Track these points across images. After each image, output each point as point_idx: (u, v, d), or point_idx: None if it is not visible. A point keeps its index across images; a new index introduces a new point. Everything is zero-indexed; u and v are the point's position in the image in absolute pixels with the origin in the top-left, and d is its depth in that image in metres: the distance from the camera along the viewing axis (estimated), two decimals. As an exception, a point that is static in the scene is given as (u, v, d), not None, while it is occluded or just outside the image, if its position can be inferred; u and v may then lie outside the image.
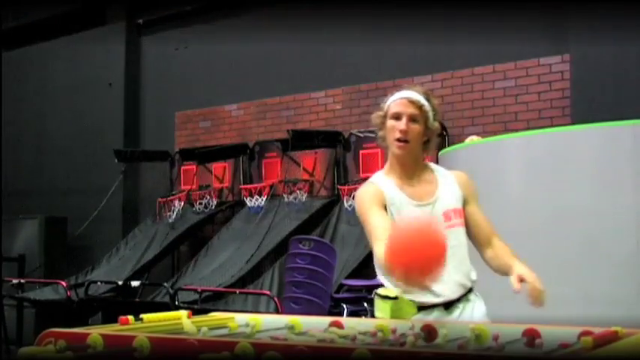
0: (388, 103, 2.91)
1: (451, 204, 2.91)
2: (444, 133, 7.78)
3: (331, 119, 8.76)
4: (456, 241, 2.89)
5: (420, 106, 2.85)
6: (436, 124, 2.92)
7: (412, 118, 2.84)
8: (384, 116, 2.90)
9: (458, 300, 2.88)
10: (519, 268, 2.69)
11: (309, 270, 6.46)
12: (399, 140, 2.84)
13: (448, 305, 2.85)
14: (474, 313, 2.90)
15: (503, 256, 2.85)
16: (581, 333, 2.04)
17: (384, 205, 2.90)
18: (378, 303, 3.00)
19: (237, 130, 9.60)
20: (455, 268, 2.83)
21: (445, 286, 2.80)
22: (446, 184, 2.95)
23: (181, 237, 9.22)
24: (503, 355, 1.84)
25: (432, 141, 2.93)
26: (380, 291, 3.02)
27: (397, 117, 2.86)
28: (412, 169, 2.93)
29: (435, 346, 2.12)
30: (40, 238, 10.04)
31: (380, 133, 2.94)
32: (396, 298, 2.94)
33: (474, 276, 2.97)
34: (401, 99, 2.88)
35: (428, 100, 2.90)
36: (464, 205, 2.95)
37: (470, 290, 2.94)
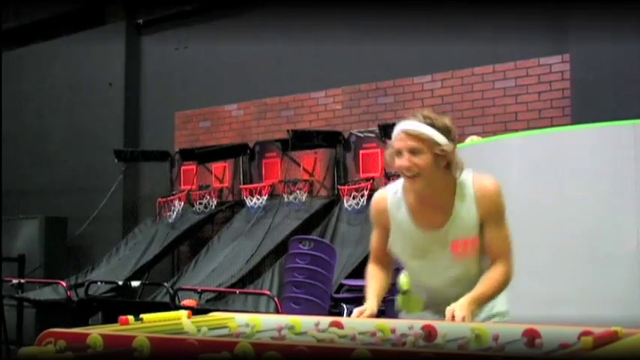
0: (392, 139, 2.77)
1: (461, 235, 2.77)
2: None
3: (331, 119, 8.76)
4: (462, 272, 2.80)
5: (418, 137, 2.66)
6: (450, 145, 2.70)
7: (413, 151, 2.67)
8: (393, 153, 2.76)
9: None
10: (459, 302, 2.62)
11: (309, 270, 6.45)
12: (407, 176, 2.72)
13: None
14: None
15: (481, 280, 2.75)
16: (581, 333, 2.04)
17: (387, 224, 2.90)
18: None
19: (237, 130, 9.60)
20: (460, 299, 2.73)
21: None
22: (463, 210, 2.77)
23: (181, 237, 9.23)
24: (503, 355, 1.84)
25: (453, 161, 2.72)
26: (397, 281, 2.97)
27: (399, 153, 2.71)
28: (429, 195, 2.78)
29: (435, 346, 2.12)
30: (40, 238, 10.04)
31: (394, 169, 2.85)
32: (405, 292, 2.91)
33: (497, 308, 2.85)
34: (399, 133, 2.72)
35: (432, 124, 2.69)
36: (482, 223, 2.78)
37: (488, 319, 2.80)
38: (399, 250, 2.94)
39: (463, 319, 2.54)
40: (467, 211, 2.76)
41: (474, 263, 2.81)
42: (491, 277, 2.73)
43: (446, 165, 2.72)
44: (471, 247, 2.77)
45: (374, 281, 2.97)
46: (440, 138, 2.68)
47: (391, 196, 2.90)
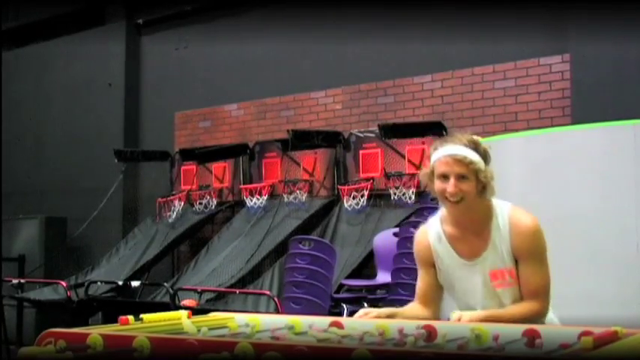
0: (433, 160, 2.75)
1: (497, 265, 2.76)
2: (444, 133, 7.79)
3: (331, 119, 8.76)
4: (507, 300, 2.77)
5: (467, 164, 2.67)
6: (489, 171, 2.72)
7: (460, 177, 2.68)
8: (432, 174, 2.75)
9: None
10: (471, 312, 2.64)
11: (309, 270, 6.45)
12: (450, 201, 2.72)
13: None
14: None
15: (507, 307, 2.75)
16: (581, 333, 2.04)
17: (431, 261, 2.90)
18: None
19: (237, 130, 9.60)
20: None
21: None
22: (498, 239, 2.76)
23: (181, 237, 9.23)
24: (503, 355, 1.84)
25: (488, 187, 2.73)
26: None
27: (444, 177, 2.70)
28: (468, 221, 2.80)
29: (435, 346, 2.12)
30: (40, 238, 10.04)
31: (429, 189, 2.83)
32: None
33: None
34: (445, 157, 2.70)
35: (475, 149, 2.71)
36: (517, 259, 2.76)
37: None
38: (448, 284, 2.92)
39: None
40: (501, 241, 2.76)
41: (514, 295, 2.78)
42: (516, 307, 2.72)
43: (481, 189, 2.73)
44: (509, 278, 2.76)
45: (409, 308, 2.93)
46: (482, 164, 2.70)
47: (431, 230, 2.91)
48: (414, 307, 2.93)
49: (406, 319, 2.69)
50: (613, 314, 3.67)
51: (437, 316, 2.91)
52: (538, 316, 2.70)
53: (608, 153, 4.10)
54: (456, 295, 2.93)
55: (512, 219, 2.77)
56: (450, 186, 2.68)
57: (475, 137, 2.77)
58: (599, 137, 4.19)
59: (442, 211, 2.90)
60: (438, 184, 2.73)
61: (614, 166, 4.06)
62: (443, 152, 2.72)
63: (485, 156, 2.73)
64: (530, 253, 2.74)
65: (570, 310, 3.70)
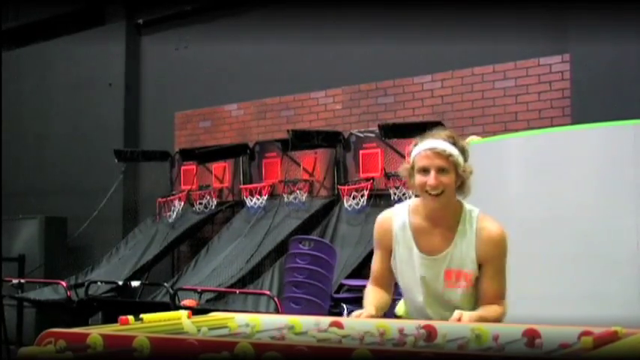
0: (414, 155, 2.83)
1: (455, 265, 2.83)
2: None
3: (331, 119, 8.76)
4: (452, 300, 2.85)
5: (447, 156, 2.76)
6: (468, 167, 2.81)
7: (441, 170, 2.76)
8: (412, 168, 2.83)
9: None
10: (469, 313, 2.67)
11: (309, 270, 6.46)
12: (430, 194, 2.78)
13: None
14: None
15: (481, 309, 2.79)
16: (581, 333, 2.04)
17: (390, 246, 2.95)
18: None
19: (237, 130, 9.60)
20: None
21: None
22: (463, 242, 2.83)
23: (181, 237, 9.22)
24: (503, 355, 1.84)
25: (465, 184, 2.82)
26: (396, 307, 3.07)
27: (425, 170, 2.77)
28: (440, 217, 2.86)
29: (435, 346, 2.12)
30: (40, 238, 10.04)
31: (409, 183, 2.89)
32: (400, 318, 3.02)
33: None
34: (426, 151, 2.77)
35: (455, 144, 2.80)
36: (480, 264, 2.83)
37: None
38: (398, 272, 2.98)
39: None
40: (467, 245, 2.83)
41: (466, 298, 2.85)
42: (490, 310, 2.77)
43: (459, 184, 2.81)
44: (464, 281, 2.83)
45: (372, 296, 2.97)
46: (461, 158, 2.79)
47: (397, 216, 2.95)
48: (377, 295, 2.97)
49: (382, 310, 2.85)
50: (613, 314, 3.67)
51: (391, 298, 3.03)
52: (501, 317, 2.79)
53: (607, 153, 4.10)
54: (402, 285, 3.00)
55: (480, 225, 2.84)
56: (431, 178, 2.75)
57: (454, 133, 2.85)
58: (599, 137, 4.19)
59: (412, 202, 2.97)
60: (418, 178, 2.79)
61: (613, 166, 4.06)
62: (423, 146, 2.79)
63: (463, 151, 2.81)
64: (495, 260, 2.82)
65: (570, 310, 3.70)
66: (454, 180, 2.77)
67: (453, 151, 2.77)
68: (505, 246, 2.84)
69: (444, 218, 2.85)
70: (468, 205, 2.88)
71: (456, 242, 2.83)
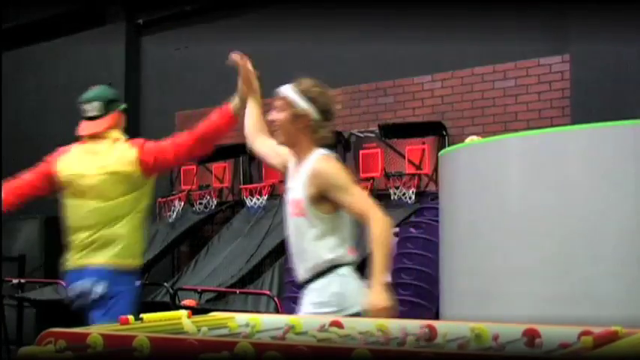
0: None
1: (295, 195, 3.20)
2: (444, 133, 7.79)
3: (331, 119, 8.75)
4: (294, 231, 3.23)
5: (281, 97, 3.27)
6: (307, 109, 3.19)
7: (277, 109, 3.26)
8: None
9: (309, 281, 3.20)
10: (372, 292, 2.92)
11: (309, 270, 6.45)
12: (273, 130, 3.29)
13: (301, 286, 3.27)
14: (305, 300, 3.18)
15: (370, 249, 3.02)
16: (581, 333, 2.04)
17: (285, 161, 3.46)
18: None
19: (237, 130, 9.55)
20: (297, 257, 3.27)
21: (297, 272, 3.28)
22: (303, 174, 3.18)
23: (181, 237, 9.22)
24: (503, 355, 1.84)
25: (310, 125, 3.18)
26: None
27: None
28: (296, 153, 3.26)
29: (435, 346, 2.12)
30: (40, 238, 10.04)
31: None
32: None
33: (323, 260, 3.16)
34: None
35: (300, 91, 3.27)
36: (326, 196, 3.11)
37: (322, 273, 3.14)
38: None
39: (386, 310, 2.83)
40: (303, 177, 3.18)
41: (305, 226, 3.17)
42: (372, 241, 2.99)
43: (308, 131, 3.17)
44: (298, 208, 3.18)
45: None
46: (301, 102, 3.21)
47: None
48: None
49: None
50: (613, 314, 3.68)
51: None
52: (382, 224, 3.00)
53: (607, 153, 4.10)
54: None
55: (314, 163, 3.17)
56: (269, 115, 3.32)
57: (309, 83, 3.40)
58: (599, 137, 4.19)
59: None
60: None
61: (613, 166, 4.06)
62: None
63: (310, 99, 3.25)
64: (330, 187, 3.10)
65: (570, 310, 3.70)
66: (288, 118, 3.19)
67: (288, 93, 3.27)
68: (334, 172, 3.13)
69: (300, 153, 3.24)
70: (320, 150, 3.21)
71: (299, 174, 3.21)
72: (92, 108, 4.03)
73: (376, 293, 2.89)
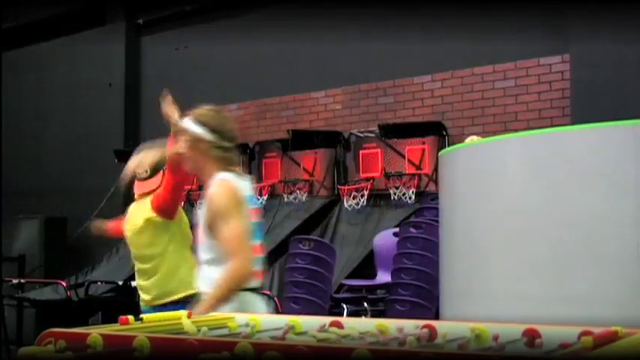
0: None
1: (199, 221, 3.14)
2: (444, 133, 7.79)
3: (331, 119, 8.76)
4: (202, 254, 3.16)
5: (182, 129, 3.30)
6: (200, 132, 3.18)
7: (181, 140, 3.31)
8: None
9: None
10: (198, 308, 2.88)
11: (309, 270, 6.46)
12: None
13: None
14: None
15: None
16: (581, 333, 2.04)
17: None
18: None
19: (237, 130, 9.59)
20: (200, 282, 3.15)
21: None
22: (206, 199, 3.13)
23: (181, 237, 9.21)
24: (503, 355, 1.84)
25: (207, 148, 3.14)
26: None
27: None
28: (204, 179, 3.21)
29: (435, 346, 2.12)
30: (40, 238, 10.04)
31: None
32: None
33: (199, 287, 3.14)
34: None
35: (192, 118, 3.26)
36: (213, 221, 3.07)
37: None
38: None
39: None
40: (205, 203, 3.13)
41: (204, 249, 3.14)
42: (221, 278, 2.95)
43: (208, 154, 3.13)
44: (200, 233, 3.14)
45: None
46: (194, 128, 3.20)
47: None
48: None
49: None
50: (613, 314, 3.67)
51: None
52: (241, 274, 2.94)
53: (608, 153, 4.10)
54: None
55: (212, 186, 3.10)
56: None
57: (203, 111, 3.31)
58: (599, 137, 4.19)
59: None
60: None
61: (614, 166, 4.06)
62: None
63: (202, 124, 3.23)
64: (219, 215, 3.02)
65: (570, 310, 3.70)
66: (188, 146, 3.21)
67: (186, 123, 3.27)
68: (223, 199, 3.03)
69: (203, 181, 3.22)
70: (222, 174, 3.11)
71: (204, 202, 3.16)
72: (142, 171, 4.31)
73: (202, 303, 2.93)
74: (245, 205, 3.07)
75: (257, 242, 3.13)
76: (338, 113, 8.75)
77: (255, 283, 3.08)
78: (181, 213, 4.30)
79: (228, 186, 3.06)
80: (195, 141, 3.18)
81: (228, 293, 2.93)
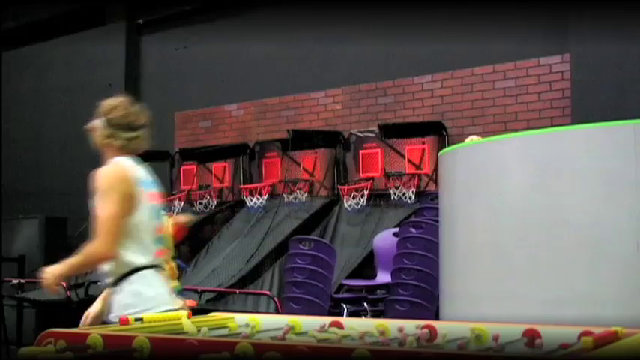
0: None
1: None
2: (444, 133, 7.79)
3: (331, 119, 8.76)
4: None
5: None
6: (96, 124, 3.28)
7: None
8: None
9: (113, 284, 3.36)
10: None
11: (309, 270, 6.46)
12: None
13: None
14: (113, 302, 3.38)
15: None
16: (581, 333, 2.04)
17: None
18: None
19: (237, 130, 9.60)
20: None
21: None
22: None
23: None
24: (503, 355, 1.84)
25: (103, 137, 3.26)
26: None
27: None
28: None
29: (435, 346, 2.12)
30: (40, 238, 10.04)
31: None
32: None
33: (120, 263, 3.27)
34: None
35: (97, 111, 3.31)
36: None
37: (124, 276, 3.27)
38: None
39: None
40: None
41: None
42: (82, 250, 3.18)
43: (105, 143, 3.27)
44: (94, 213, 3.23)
45: None
46: (94, 121, 3.30)
47: None
48: None
49: None
50: (613, 314, 3.67)
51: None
52: (96, 255, 3.18)
53: (608, 153, 4.10)
54: None
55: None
56: None
57: (105, 103, 3.31)
58: (599, 137, 4.19)
59: None
60: None
61: (614, 166, 4.06)
62: None
63: (104, 114, 3.28)
64: (97, 191, 3.15)
65: (570, 310, 3.70)
66: (93, 136, 3.31)
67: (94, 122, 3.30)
68: (102, 177, 3.15)
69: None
70: (117, 158, 3.25)
71: None
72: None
73: (54, 267, 3.17)
74: (131, 188, 3.16)
75: (156, 223, 3.29)
76: (338, 113, 8.75)
77: (155, 260, 3.26)
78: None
79: (116, 168, 3.20)
80: (93, 131, 3.33)
81: (80, 267, 3.34)
